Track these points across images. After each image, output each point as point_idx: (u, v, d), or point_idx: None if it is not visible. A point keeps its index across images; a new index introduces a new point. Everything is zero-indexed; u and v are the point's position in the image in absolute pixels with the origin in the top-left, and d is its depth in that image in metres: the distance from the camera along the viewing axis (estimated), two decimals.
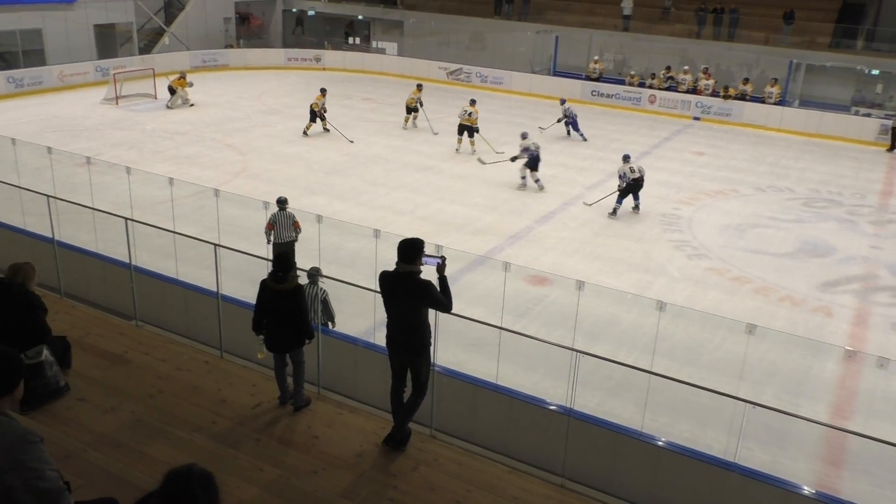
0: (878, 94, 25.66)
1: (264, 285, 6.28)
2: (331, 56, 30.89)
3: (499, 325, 8.05)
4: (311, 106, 20.16)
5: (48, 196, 8.90)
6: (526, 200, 15.42)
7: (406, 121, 21.36)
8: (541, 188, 16.03)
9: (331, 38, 34.27)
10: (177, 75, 23.09)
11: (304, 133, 19.91)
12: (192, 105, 22.63)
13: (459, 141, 19.01)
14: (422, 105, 21.42)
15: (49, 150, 13.27)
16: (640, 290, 11.29)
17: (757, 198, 16.65)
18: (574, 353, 6.39)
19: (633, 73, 27.22)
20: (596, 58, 28.03)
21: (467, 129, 18.86)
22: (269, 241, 10.47)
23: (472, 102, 19.18)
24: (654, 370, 6.47)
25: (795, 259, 13.19)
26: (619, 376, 8.15)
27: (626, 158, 15.05)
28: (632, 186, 14.77)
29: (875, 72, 25.56)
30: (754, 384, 8.76)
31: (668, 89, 26.08)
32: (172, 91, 22.59)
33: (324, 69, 30.50)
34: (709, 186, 17.14)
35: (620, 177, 14.78)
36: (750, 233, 14.35)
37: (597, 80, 27.35)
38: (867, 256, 13.51)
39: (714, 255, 13.08)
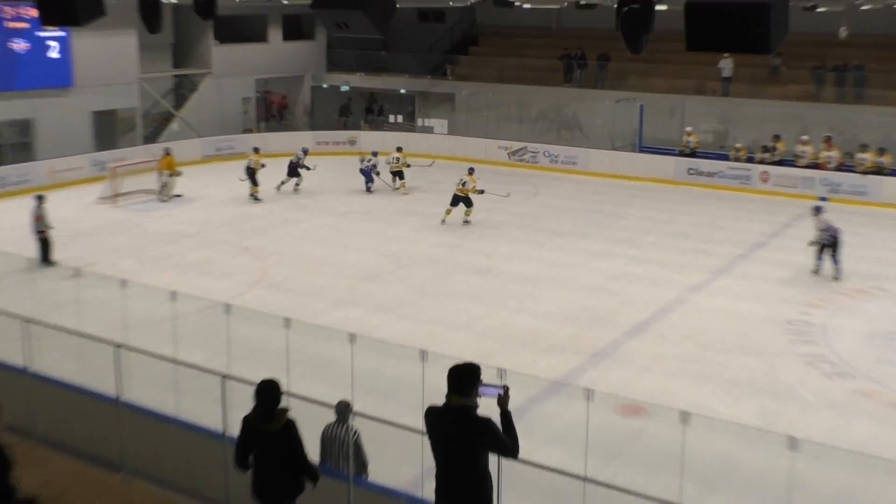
0: None
1: (247, 423, 6.31)
2: (368, 138, 31.64)
3: (582, 473, 7.68)
4: (246, 168, 23.41)
5: (22, 319, 9.01)
6: (612, 307, 15.14)
7: (402, 186, 24.83)
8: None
9: (369, 116, 35.30)
10: (163, 157, 24.01)
11: (257, 195, 23.17)
12: (177, 197, 23.55)
13: (448, 212, 21.03)
14: (407, 165, 24.83)
15: (31, 261, 13.63)
16: (765, 421, 10.76)
17: None
18: None
19: (738, 145, 27.10)
20: (689, 129, 28.06)
21: (462, 199, 20.91)
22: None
23: (470, 171, 21.19)
24: None
25: None
26: None
27: (818, 210, 17.23)
28: (833, 242, 16.69)
29: None
30: None
31: (779, 163, 25.74)
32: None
33: (360, 153, 31.17)
34: (846, 284, 16.59)
35: (823, 230, 16.78)
36: None
37: (691, 155, 27.31)
38: None
39: (860, 372, 12.47)
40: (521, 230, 20.75)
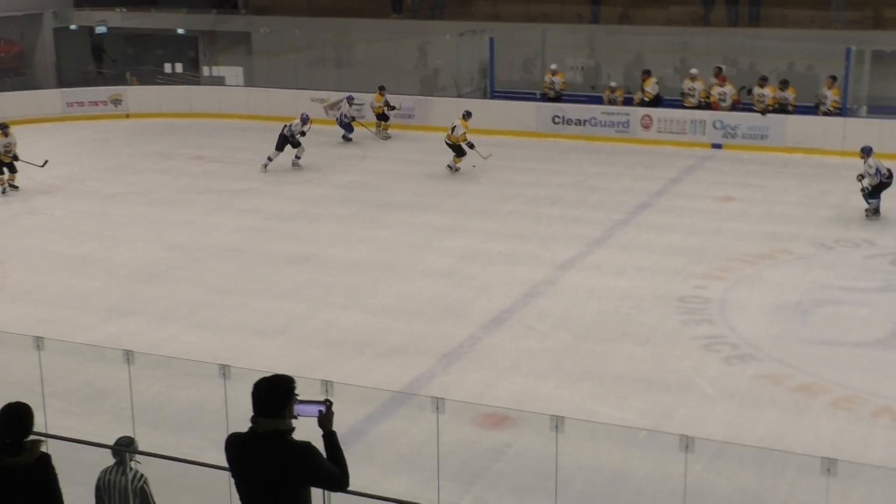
0: None
1: None
2: (137, 95, 31.04)
3: (436, 501, 7.94)
4: None
5: None
6: (465, 295, 15.50)
7: (380, 127, 27.88)
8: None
9: (137, 66, 34.49)
10: None
11: None
12: None
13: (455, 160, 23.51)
14: (393, 108, 27.71)
15: None
16: (655, 421, 11.31)
17: (821, 259, 17.15)
18: None
19: (613, 84, 28.07)
20: (554, 67, 28.81)
21: (452, 147, 23.24)
22: None
23: (465, 116, 23.54)
24: None
25: (890, 348, 13.50)
26: None
27: (868, 151, 19.19)
28: (886, 183, 19.05)
29: None
30: None
31: (654, 104, 26.88)
32: None
33: (127, 116, 30.55)
34: (746, 248, 17.58)
35: (875, 173, 18.96)
36: (816, 314, 14.68)
37: (557, 99, 28.09)
38: None
39: (765, 353, 13.26)
40: (346, 205, 20.89)
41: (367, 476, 8.25)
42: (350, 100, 27.22)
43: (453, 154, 23.27)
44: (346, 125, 27.11)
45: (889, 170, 19.11)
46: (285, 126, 23.95)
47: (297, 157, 23.98)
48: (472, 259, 17.25)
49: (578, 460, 9.82)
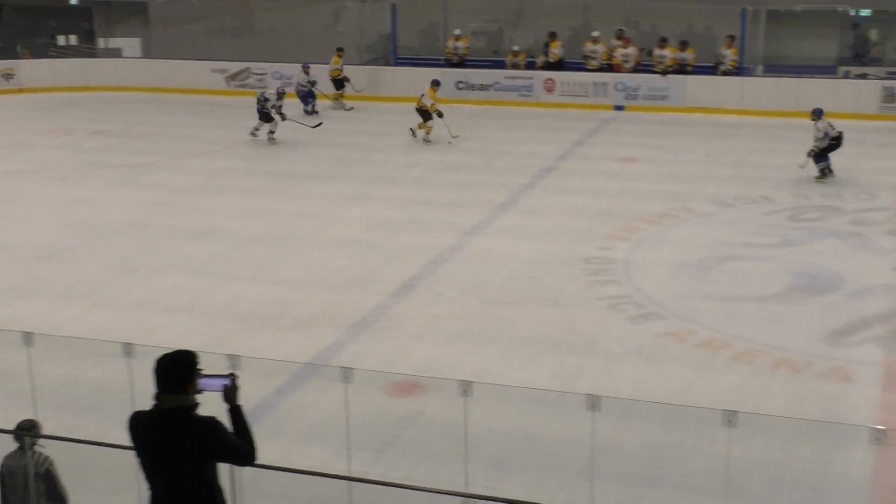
0: (875, 46, 27.71)
1: None
2: (30, 69, 30.53)
3: (345, 473, 7.95)
4: None
5: None
6: (372, 264, 15.49)
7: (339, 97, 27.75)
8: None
9: (29, 38, 33.71)
10: None
11: None
12: None
13: (420, 125, 23.40)
14: (347, 80, 27.35)
15: None
16: (564, 381, 11.41)
17: (721, 216, 17.51)
18: (469, 500, 6.38)
19: (515, 48, 28.22)
20: (457, 32, 28.89)
21: (420, 113, 23.18)
22: None
23: (432, 84, 23.26)
24: None
25: (788, 302, 13.82)
26: None
27: (819, 113, 19.17)
28: (834, 145, 19.14)
29: (865, 12, 27.64)
30: (753, 502, 9.01)
31: (556, 67, 27.10)
32: None
33: (20, 90, 29.99)
34: (649, 208, 17.87)
35: (824, 136, 19.00)
36: (717, 271, 14.96)
37: (461, 65, 28.15)
38: (890, 284, 14.33)
39: (669, 311, 13.49)
40: (250, 177, 20.82)
41: (277, 449, 8.26)
42: (306, 67, 26.58)
43: (420, 120, 23.20)
44: (305, 96, 26.58)
45: (840, 132, 19.20)
46: (258, 100, 23.44)
47: (257, 130, 23.52)
48: (379, 227, 17.27)
49: (488, 424, 9.88)
